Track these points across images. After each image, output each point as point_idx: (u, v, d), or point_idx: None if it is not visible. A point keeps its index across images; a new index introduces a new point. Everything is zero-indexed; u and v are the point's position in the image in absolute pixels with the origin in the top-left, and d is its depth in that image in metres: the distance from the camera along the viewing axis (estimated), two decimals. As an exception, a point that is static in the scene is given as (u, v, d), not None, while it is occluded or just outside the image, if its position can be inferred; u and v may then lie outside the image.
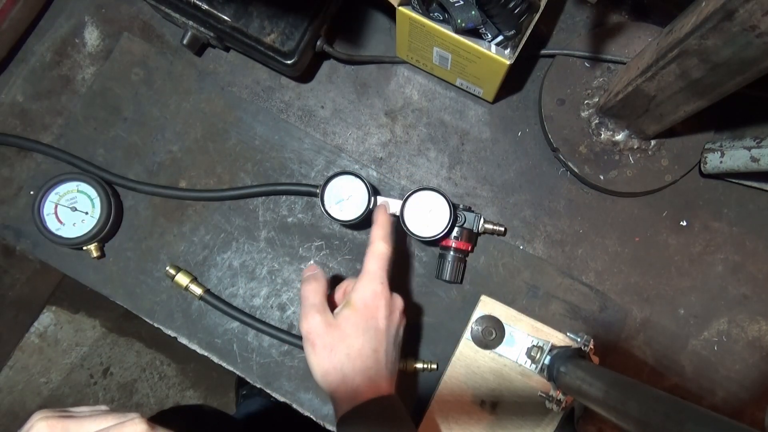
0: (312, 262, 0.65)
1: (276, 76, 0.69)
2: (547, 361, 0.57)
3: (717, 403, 0.63)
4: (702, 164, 0.64)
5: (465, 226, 0.62)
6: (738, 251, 0.65)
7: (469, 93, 0.67)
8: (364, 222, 0.64)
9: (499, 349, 0.60)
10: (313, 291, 0.51)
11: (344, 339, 0.49)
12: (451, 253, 0.62)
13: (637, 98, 0.56)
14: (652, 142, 0.64)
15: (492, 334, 0.60)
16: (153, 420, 0.39)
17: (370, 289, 0.50)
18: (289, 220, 0.66)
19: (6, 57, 0.68)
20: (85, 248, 0.63)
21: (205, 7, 0.60)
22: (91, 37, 0.69)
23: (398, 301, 0.53)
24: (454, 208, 0.61)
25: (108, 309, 1.53)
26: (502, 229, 0.63)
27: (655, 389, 0.38)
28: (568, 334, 0.59)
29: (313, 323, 0.49)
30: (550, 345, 0.58)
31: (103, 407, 0.41)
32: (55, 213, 0.62)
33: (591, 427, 0.61)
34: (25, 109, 0.68)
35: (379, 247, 0.52)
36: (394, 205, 0.62)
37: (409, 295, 0.65)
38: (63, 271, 0.65)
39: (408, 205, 0.61)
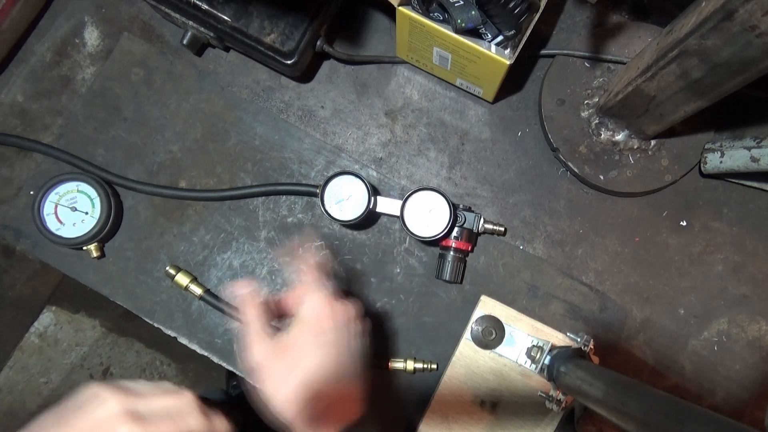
0: (241, 278, 0.57)
1: (276, 76, 0.69)
2: (547, 361, 0.57)
3: (717, 403, 0.63)
4: (702, 164, 0.64)
5: (465, 226, 0.62)
6: (738, 251, 0.65)
7: (469, 93, 0.67)
8: (364, 222, 0.64)
9: (499, 349, 0.60)
10: (253, 316, 0.44)
11: (298, 361, 0.43)
12: (451, 253, 0.62)
13: (637, 98, 0.56)
14: (652, 142, 0.64)
15: (492, 334, 0.60)
16: None
17: (312, 300, 0.45)
18: (289, 220, 0.66)
19: (6, 57, 0.68)
20: (85, 248, 0.63)
21: (205, 7, 0.60)
22: (91, 37, 0.69)
23: (350, 308, 0.47)
24: (454, 208, 0.61)
25: (108, 309, 1.53)
26: (502, 229, 0.63)
27: (655, 389, 0.38)
28: (568, 334, 0.59)
29: (258, 353, 0.43)
30: (550, 345, 0.58)
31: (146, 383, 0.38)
32: (55, 213, 0.62)
33: (591, 427, 0.61)
34: (25, 109, 0.68)
35: (308, 262, 0.48)
36: (394, 205, 0.62)
37: (410, 295, 0.65)
38: (63, 271, 0.65)
39: (408, 205, 0.61)
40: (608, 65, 0.66)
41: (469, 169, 0.67)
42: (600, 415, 0.52)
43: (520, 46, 0.56)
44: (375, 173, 0.67)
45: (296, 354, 0.43)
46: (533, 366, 0.59)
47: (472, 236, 0.63)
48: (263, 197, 0.66)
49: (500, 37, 0.58)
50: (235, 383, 1.39)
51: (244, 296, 0.45)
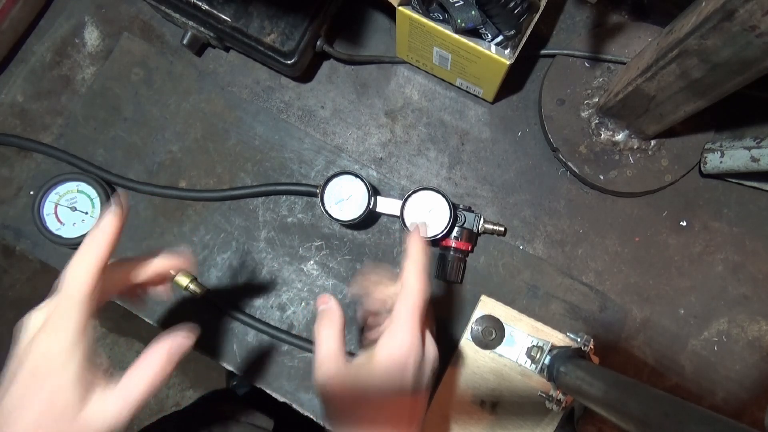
0: (326, 292, 0.54)
1: (276, 76, 0.69)
2: (547, 361, 0.57)
3: (717, 403, 0.63)
4: (702, 164, 0.64)
5: (465, 226, 0.62)
6: (738, 251, 0.65)
7: (469, 93, 0.67)
8: (364, 222, 0.64)
9: (499, 349, 0.60)
10: (328, 335, 0.43)
11: (362, 397, 0.42)
12: (451, 253, 0.62)
13: (637, 98, 0.56)
14: (652, 142, 0.64)
15: (492, 334, 0.60)
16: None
17: (398, 340, 0.42)
18: (289, 220, 0.66)
19: (6, 57, 0.68)
20: (85, 248, 0.63)
21: (205, 7, 0.60)
22: (91, 37, 0.69)
23: (431, 358, 0.44)
24: (454, 208, 0.61)
25: (108, 309, 1.52)
26: (502, 229, 0.63)
27: (655, 389, 0.38)
28: (568, 334, 0.59)
29: (327, 375, 0.42)
30: (550, 345, 0.58)
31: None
32: (55, 213, 0.62)
33: (591, 427, 0.61)
34: (25, 109, 0.68)
35: (412, 287, 0.43)
36: (394, 205, 0.62)
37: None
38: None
39: (408, 205, 0.61)
40: (608, 65, 0.66)
41: (469, 169, 0.67)
42: (600, 415, 0.52)
43: (520, 46, 0.56)
44: (375, 173, 0.67)
45: (362, 389, 0.42)
46: (533, 366, 0.59)
47: (472, 236, 0.63)
48: (263, 197, 0.66)
49: (500, 37, 0.58)
50: (235, 383, 1.39)
51: (321, 311, 0.45)
